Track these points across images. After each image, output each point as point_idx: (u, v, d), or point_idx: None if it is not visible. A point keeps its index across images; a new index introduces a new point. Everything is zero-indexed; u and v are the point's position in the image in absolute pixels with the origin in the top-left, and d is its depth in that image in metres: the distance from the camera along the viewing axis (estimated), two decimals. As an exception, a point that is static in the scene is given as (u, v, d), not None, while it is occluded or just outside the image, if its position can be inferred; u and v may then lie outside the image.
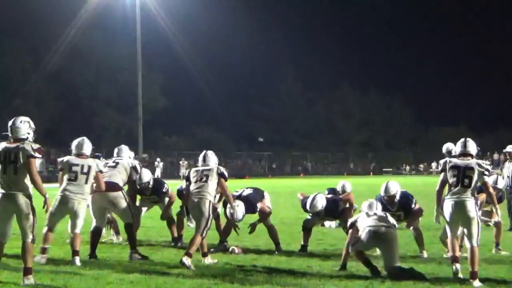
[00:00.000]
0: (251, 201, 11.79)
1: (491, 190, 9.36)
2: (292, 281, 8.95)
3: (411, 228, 11.58)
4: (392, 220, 9.88)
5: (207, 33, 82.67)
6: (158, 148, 71.67)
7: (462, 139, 9.44)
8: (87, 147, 10.63)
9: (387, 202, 11.57)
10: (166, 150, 72.97)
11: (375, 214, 9.95)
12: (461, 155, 9.32)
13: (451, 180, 9.16)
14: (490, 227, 12.14)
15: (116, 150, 11.86)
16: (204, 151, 11.08)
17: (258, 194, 12.15)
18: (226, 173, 10.73)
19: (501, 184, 11.99)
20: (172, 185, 14.16)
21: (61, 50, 66.71)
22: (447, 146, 15.87)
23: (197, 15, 77.43)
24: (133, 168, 11.50)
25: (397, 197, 11.42)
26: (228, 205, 11.47)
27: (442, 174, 9.34)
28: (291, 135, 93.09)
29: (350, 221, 10.39)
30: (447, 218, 9.23)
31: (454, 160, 9.33)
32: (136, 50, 58.61)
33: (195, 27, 78.42)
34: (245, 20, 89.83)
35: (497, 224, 12.00)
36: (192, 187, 10.58)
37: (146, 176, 12.71)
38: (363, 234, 9.59)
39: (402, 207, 11.45)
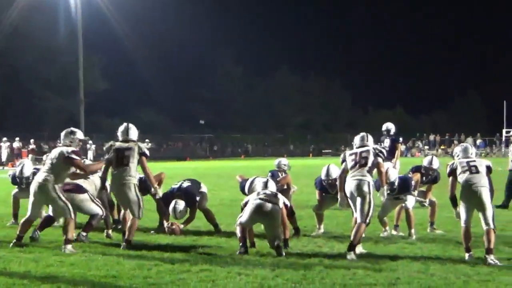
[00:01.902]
0: (191, 193, 11.90)
1: (382, 169, 9.99)
2: (232, 261, 9.04)
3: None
4: (281, 200, 10.20)
5: (147, 16, 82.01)
6: (101, 131, 70.64)
7: (361, 134, 10.28)
8: None
9: (328, 186, 11.84)
10: (109, 133, 71.81)
11: (265, 193, 10.22)
12: (360, 147, 10.07)
13: (350, 164, 9.87)
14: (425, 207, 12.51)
15: None
16: (125, 124, 10.70)
17: (196, 186, 12.28)
18: (147, 152, 10.38)
19: (436, 165, 12.24)
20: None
21: (0, 32, 65.24)
22: (387, 125, 16.32)
23: (138, -2, 76.62)
24: None
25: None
26: (171, 204, 11.57)
27: (344, 164, 10.04)
28: (232, 118, 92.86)
29: (244, 201, 10.50)
30: (348, 196, 9.81)
31: (352, 150, 10.12)
32: (77, 33, 57.91)
33: (135, 10, 77.33)
34: (185, 3, 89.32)
35: (432, 204, 12.31)
36: (114, 170, 10.30)
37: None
38: (249, 207, 9.91)
39: None
